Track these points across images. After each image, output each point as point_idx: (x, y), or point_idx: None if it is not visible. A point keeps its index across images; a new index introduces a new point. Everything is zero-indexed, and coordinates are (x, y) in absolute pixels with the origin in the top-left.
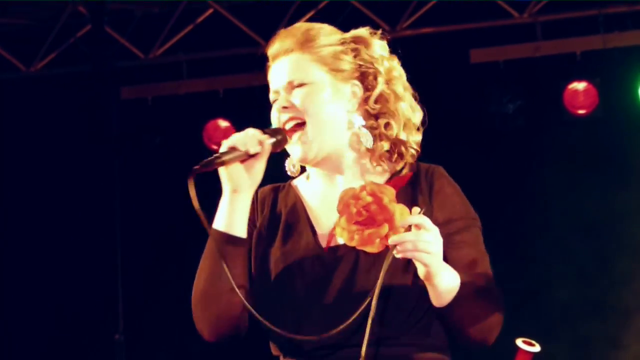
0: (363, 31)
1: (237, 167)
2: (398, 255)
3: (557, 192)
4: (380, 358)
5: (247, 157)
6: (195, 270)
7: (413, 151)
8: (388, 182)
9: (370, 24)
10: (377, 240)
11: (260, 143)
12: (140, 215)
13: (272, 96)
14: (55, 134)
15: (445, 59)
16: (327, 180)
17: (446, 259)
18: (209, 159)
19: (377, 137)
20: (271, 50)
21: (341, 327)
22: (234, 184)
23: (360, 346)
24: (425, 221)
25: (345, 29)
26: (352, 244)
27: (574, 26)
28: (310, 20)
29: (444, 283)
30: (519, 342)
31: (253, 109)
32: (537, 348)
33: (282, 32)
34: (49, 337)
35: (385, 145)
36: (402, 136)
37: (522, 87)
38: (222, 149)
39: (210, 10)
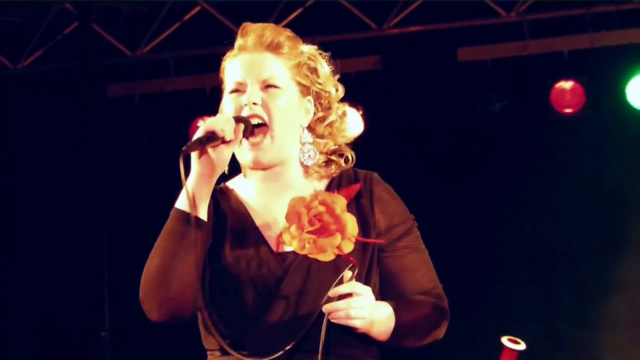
0: (314, 49)
1: (208, 152)
2: (333, 321)
3: (544, 191)
4: None
5: (221, 142)
6: None
7: (344, 159)
8: (338, 191)
9: (358, 22)
10: (330, 249)
11: (235, 131)
12: (127, 213)
13: (233, 85)
14: (42, 131)
15: (432, 58)
16: (267, 185)
17: (392, 267)
18: (192, 141)
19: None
20: (244, 41)
21: (285, 350)
22: (203, 168)
23: (308, 352)
24: (356, 287)
25: (333, 28)
26: (304, 252)
27: (562, 25)
28: (297, 18)
29: (382, 332)
30: (505, 340)
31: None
32: (522, 346)
33: (257, 27)
34: (35, 335)
35: (321, 159)
36: (337, 152)
37: (509, 86)
38: (201, 132)
39: (197, 8)
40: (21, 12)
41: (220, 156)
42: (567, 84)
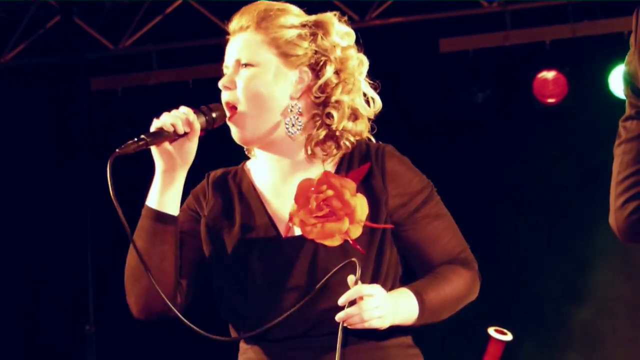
0: (328, 16)
1: (166, 147)
2: (350, 327)
3: (526, 181)
4: (352, 351)
5: (176, 136)
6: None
7: (348, 143)
8: (347, 174)
9: (340, 13)
10: (337, 234)
11: (189, 123)
12: (110, 208)
13: (224, 70)
14: (24, 126)
15: (414, 49)
16: (274, 164)
17: (415, 239)
18: (131, 141)
19: (317, 126)
20: (230, 26)
21: (275, 321)
22: (164, 164)
23: (327, 335)
24: (364, 290)
25: None
26: (311, 236)
27: (543, 15)
28: None
29: (407, 320)
30: (491, 330)
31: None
32: (509, 337)
33: (243, 9)
34: (19, 329)
35: (322, 134)
36: (341, 127)
37: (492, 76)
38: (151, 129)
39: (180, 1)
40: (3, 7)
41: (181, 150)
42: (549, 74)
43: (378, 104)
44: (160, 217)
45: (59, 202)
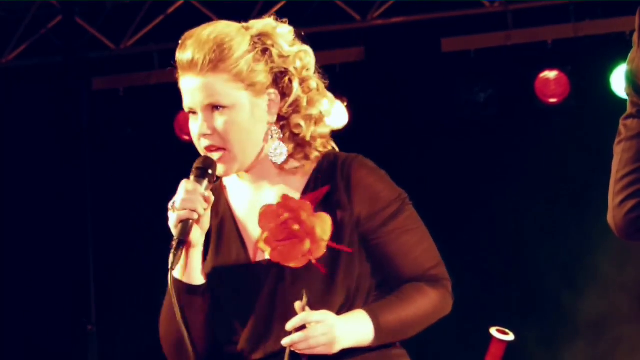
0: (269, 24)
1: (194, 231)
2: (298, 352)
3: (528, 180)
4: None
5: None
6: (166, 261)
7: (317, 153)
8: (305, 196)
9: (341, 13)
10: (300, 256)
11: (206, 200)
12: (112, 207)
13: (186, 108)
14: (26, 126)
15: (416, 49)
16: (250, 184)
17: (384, 253)
18: (174, 250)
19: (286, 139)
20: (181, 61)
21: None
22: (190, 242)
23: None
24: (309, 317)
25: (316, 19)
26: (276, 260)
27: (545, 15)
28: (281, 10)
29: (361, 342)
30: (493, 331)
31: None
32: (511, 337)
33: (191, 44)
34: (20, 329)
35: (291, 147)
36: (309, 136)
37: (494, 76)
38: (176, 223)
39: (181, 1)
40: (4, 7)
41: (201, 223)
42: (551, 74)
43: (332, 102)
44: (192, 290)
45: (61, 201)
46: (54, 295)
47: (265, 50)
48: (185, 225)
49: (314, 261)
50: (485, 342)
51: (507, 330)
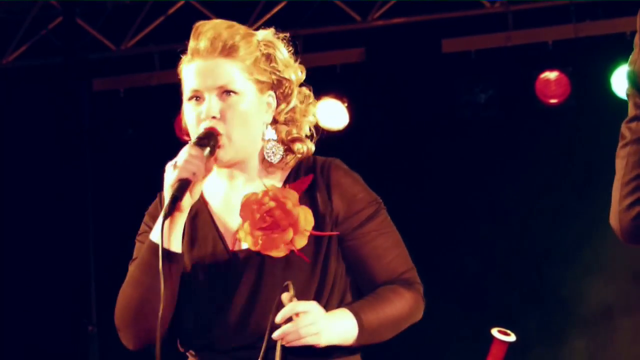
0: (271, 34)
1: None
2: (288, 345)
3: (529, 181)
4: None
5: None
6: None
7: (304, 148)
8: (289, 185)
9: (342, 14)
10: (282, 245)
11: (207, 168)
12: (113, 207)
13: (190, 93)
14: (26, 127)
15: (417, 49)
16: (230, 181)
17: (358, 254)
18: (169, 204)
19: (279, 141)
20: (196, 46)
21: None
22: (179, 207)
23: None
24: (298, 307)
25: (317, 20)
26: (257, 248)
27: (546, 15)
28: (281, 11)
29: (346, 339)
30: (495, 331)
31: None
32: (512, 338)
33: (207, 31)
34: (21, 330)
35: (281, 150)
36: (296, 141)
37: (494, 77)
38: (173, 181)
39: (182, 2)
40: (5, 8)
41: (195, 192)
42: (551, 75)
43: (315, 108)
44: (173, 257)
45: (62, 202)
46: (55, 296)
47: (268, 56)
48: (184, 184)
49: (296, 251)
50: (487, 343)
51: (508, 331)
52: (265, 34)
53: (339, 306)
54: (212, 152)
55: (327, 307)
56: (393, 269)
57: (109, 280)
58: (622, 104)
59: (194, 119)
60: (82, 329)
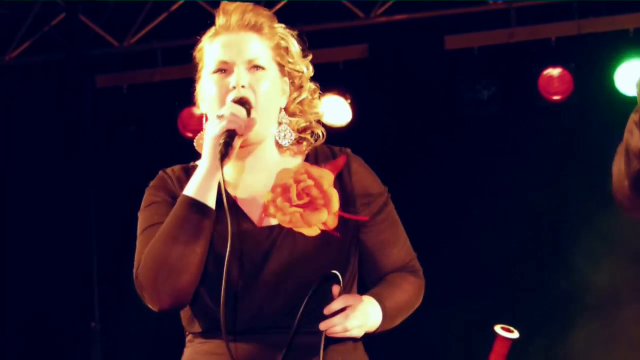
0: (283, 28)
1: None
2: (331, 335)
3: (532, 178)
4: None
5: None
6: None
7: (319, 133)
8: (325, 165)
9: (345, 11)
10: (316, 224)
11: (249, 125)
12: (115, 204)
13: (216, 65)
14: (29, 123)
15: (419, 46)
16: (243, 163)
17: (371, 243)
18: (223, 144)
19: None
20: (226, 20)
21: (299, 315)
22: (216, 161)
23: (284, 331)
24: (348, 301)
25: (320, 17)
26: (289, 225)
27: (549, 12)
28: (285, 7)
29: (374, 327)
30: (498, 328)
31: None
32: (515, 334)
33: (240, 6)
34: (24, 326)
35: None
36: (307, 131)
37: (497, 74)
38: (219, 132)
39: None
40: (8, 4)
41: (233, 151)
42: (554, 71)
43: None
44: (210, 213)
45: (64, 198)
46: (58, 292)
47: (284, 47)
48: (232, 134)
49: (330, 230)
50: (490, 340)
51: (511, 328)
52: (280, 27)
53: (351, 292)
54: (247, 115)
55: (346, 292)
56: (402, 257)
57: (112, 276)
58: (625, 100)
59: (217, 89)
60: (85, 326)
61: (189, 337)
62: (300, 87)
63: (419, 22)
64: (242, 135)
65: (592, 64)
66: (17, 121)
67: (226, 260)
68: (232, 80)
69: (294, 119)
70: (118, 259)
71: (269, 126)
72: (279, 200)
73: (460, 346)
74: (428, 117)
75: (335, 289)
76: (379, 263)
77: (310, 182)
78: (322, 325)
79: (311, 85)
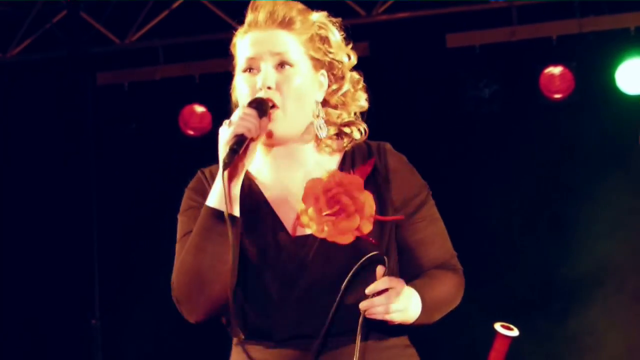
0: (323, 16)
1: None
2: (371, 317)
3: (532, 176)
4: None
5: (251, 141)
6: (171, 255)
7: (357, 132)
8: (354, 170)
9: (346, 9)
10: (349, 232)
11: (262, 127)
12: (116, 201)
13: (246, 63)
14: (30, 120)
15: (421, 44)
16: (280, 162)
17: (409, 241)
18: (228, 155)
19: (330, 123)
20: (254, 17)
21: (327, 323)
22: (233, 168)
23: (328, 337)
24: (391, 282)
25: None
26: (323, 235)
27: (550, 10)
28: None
29: (413, 318)
30: (498, 326)
31: (229, 94)
32: (515, 332)
33: (267, 4)
34: (25, 323)
35: (332, 130)
36: (349, 125)
37: (498, 72)
38: (228, 138)
39: None
40: (9, 1)
41: (250, 153)
42: (556, 70)
43: (366, 98)
44: (234, 221)
45: (65, 196)
46: (59, 289)
47: (322, 36)
48: (240, 139)
49: (364, 236)
50: (490, 338)
51: (511, 326)
52: (319, 16)
53: None
54: (263, 116)
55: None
56: (441, 256)
57: (113, 273)
58: (625, 99)
59: (248, 89)
60: (86, 322)
61: (234, 341)
62: (342, 78)
63: (420, 20)
64: (255, 138)
65: (594, 62)
66: (18, 118)
67: (231, 269)
68: (259, 80)
69: (335, 112)
70: (119, 256)
71: (302, 123)
72: (310, 210)
73: (460, 344)
74: (429, 116)
75: (380, 269)
76: (416, 261)
77: (339, 190)
78: (363, 305)
79: (354, 75)
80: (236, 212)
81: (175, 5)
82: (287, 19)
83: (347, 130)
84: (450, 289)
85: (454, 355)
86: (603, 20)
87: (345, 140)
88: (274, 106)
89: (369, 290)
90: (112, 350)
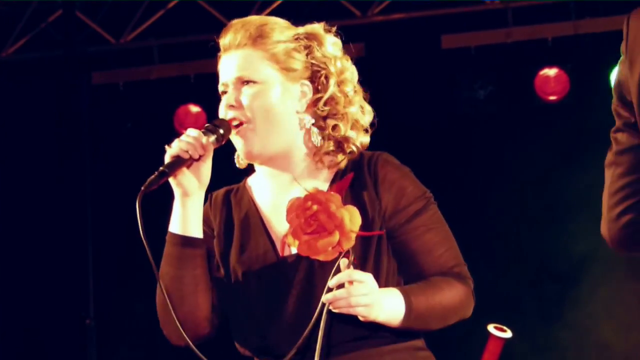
0: (317, 27)
1: (184, 173)
2: (336, 311)
3: (528, 178)
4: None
5: (192, 161)
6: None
7: (354, 147)
8: (331, 187)
9: (342, 10)
10: (329, 248)
11: (203, 147)
12: (111, 201)
13: (220, 87)
14: (25, 119)
15: (416, 45)
16: (275, 180)
17: (408, 249)
18: (154, 176)
19: (325, 137)
20: (223, 41)
21: (295, 347)
22: (183, 189)
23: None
24: (354, 275)
25: (316, 15)
26: (304, 253)
27: (545, 12)
28: (281, 6)
29: (392, 319)
30: (491, 328)
31: None
32: (508, 334)
33: (236, 24)
34: (19, 323)
35: (331, 145)
36: (348, 134)
37: (494, 73)
38: (166, 160)
39: None
40: (5, 0)
41: (198, 173)
42: (551, 71)
43: (371, 113)
44: (188, 242)
45: (60, 195)
46: (53, 289)
47: (308, 47)
48: (174, 162)
49: (343, 253)
50: (483, 339)
51: (504, 328)
52: (312, 27)
53: None
54: (218, 140)
55: None
56: (443, 263)
57: (107, 273)
58: None
59: (222, 110)
60: (80, 322)
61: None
62: (325, 85)
63: (415, 21)
64: (197, 158)
65: (589, 64)
66: (13, 117)
67: (163, 290)
68: (224, 101)
69: (331, 122)
70: (113, 256)
71: (280, 137)
72: (292, 230)
73: (454, 346)
74: (425, 117)
75: (343, 262)
76: (416, 269)
77: (315, 208)
78: (325, 298)
79: (347, 85)
80: (195, 233)
81: (171, 5)
82: (253, 37)
83: (345, 146)
84: (453, 296)
85: (448, 356)
86: (598, 22)
87: (339, 156)
88: (240, 124)
89: (330, 283)
90: (107, 350)
